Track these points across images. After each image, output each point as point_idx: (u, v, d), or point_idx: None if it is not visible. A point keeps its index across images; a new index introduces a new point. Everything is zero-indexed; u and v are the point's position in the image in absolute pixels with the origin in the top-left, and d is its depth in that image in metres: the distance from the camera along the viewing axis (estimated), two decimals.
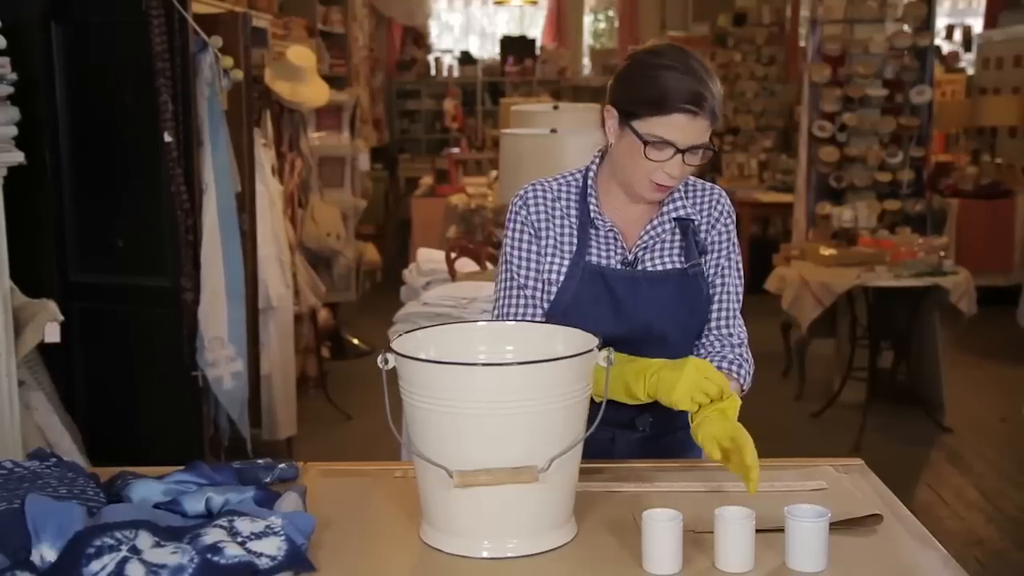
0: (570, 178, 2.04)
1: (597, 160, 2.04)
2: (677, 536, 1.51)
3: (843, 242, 5.61)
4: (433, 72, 12.62)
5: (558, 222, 2.00)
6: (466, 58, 12.74)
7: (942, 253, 5.26)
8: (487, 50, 13.14)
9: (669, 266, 1.99)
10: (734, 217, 2.08)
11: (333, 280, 6.01)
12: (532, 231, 2.00)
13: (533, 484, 1.54)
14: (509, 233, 2.02)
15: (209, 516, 1.62)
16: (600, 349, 1.63)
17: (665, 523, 1.51)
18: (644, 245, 1.99)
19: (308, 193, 5.66)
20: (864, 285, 5.16)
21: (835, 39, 6.22)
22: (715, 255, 2.04)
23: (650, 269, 1.99)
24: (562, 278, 1.98)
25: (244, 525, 1.52)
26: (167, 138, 3.50)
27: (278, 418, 4.67)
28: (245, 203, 4.02)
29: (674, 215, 2.00)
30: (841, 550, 1.56)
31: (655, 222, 1.99)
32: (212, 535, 1.49)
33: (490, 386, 1.53)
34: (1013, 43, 8.84)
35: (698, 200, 2.05)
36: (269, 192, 4.65)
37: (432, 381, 1.56)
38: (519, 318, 1.97)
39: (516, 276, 2.00)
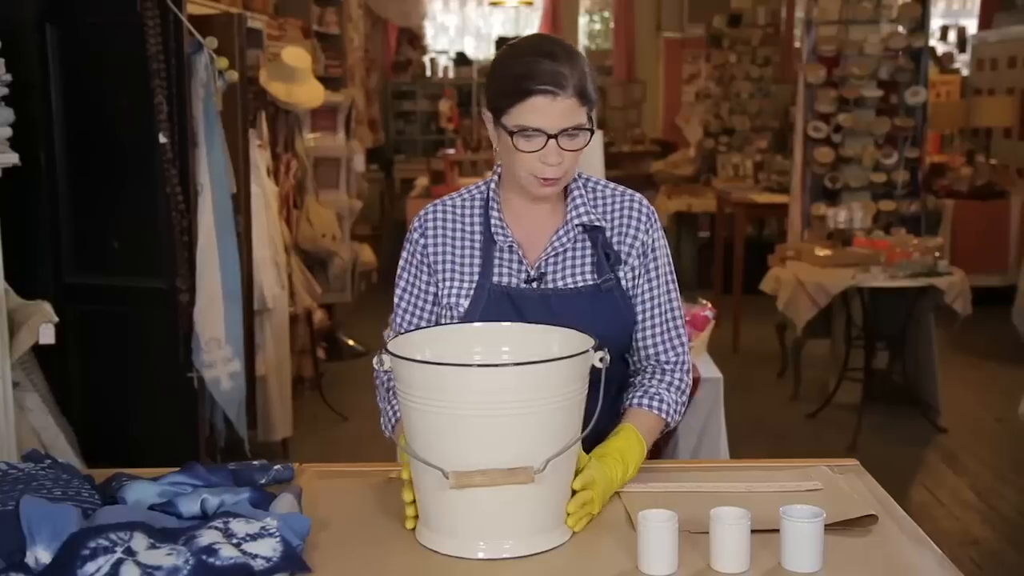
0: (475, 191, 1.95)
1: (498, 171, 1.93)
2: (673, 537, 1.51)
3: (838, 243, 5.61)
4: (429, 73, 12.63)
5: (459, 243, 1.91)
6: (461, 59, 12.75)
7: (937, 254, 5.26)
8: (482, 51, 13.15)
9: (580, 283, 1.88)
10: (657, 224, 1.94)
11: (329, 281, 6.00)
12: (421, 258, 1.92)
13: (529, 485, 1.54)
14: (403, 255, 1.96)
15: (204, 517, 1.62)
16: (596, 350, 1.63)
17: (661, 524, 1.51)
18: (548, 259, 1.89)
19: (303, 194, 5.65)
20: (859, 286, 5.16)
21: (830, 40, 6.22)
22: (641, 269, 1.92)
23: (560, 286, 1.88)
24: (466, 302, 1.88)
25: (239, 526, 1.52)
26: (162, 139, 3.49)
27: (274, 419, 4.67)
28: (240, 204, 4.02)
29: (577, 222, 1.89)
30: (836, 550, 1.56)
31: (560, 232, 1.89)
32: (207, 536, 1.49)
33: (485, 387, 1.53)
34: (1007, 44, 8.85)
35: (608, 206, 1.93)
36: (264, 193, 4.65)
37: (427, 382, 1.56)
38: None
39: (400, 299, 1.96)
